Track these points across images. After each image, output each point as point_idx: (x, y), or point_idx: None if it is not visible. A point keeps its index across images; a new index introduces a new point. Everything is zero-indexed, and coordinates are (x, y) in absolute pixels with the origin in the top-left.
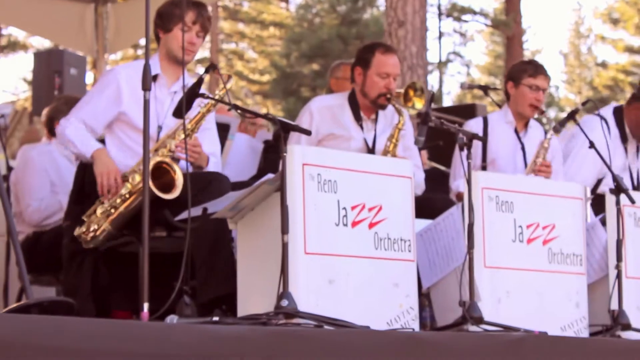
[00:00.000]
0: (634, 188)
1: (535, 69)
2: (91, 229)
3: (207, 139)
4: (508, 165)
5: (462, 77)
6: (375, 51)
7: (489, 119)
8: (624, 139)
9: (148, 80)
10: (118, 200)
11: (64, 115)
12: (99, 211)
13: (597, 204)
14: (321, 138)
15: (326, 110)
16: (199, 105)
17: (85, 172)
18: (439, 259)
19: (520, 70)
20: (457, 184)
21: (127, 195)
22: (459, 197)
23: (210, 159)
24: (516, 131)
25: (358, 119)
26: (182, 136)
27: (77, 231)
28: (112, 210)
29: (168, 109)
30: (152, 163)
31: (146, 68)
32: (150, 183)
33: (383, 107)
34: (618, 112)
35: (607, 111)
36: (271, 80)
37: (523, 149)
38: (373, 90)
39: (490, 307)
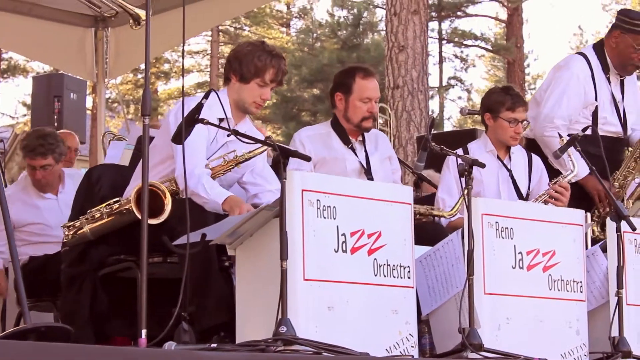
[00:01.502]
0: (622, 125)
1: (513, 101)
2: (76, 227)
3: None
4: (493, 196)
5: (463, 102)
6: (356, 76)
7: (470, 148)
8: (605, 70)
9: (148, 105)
10: (106, 210)
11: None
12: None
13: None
14: (315, 163)
15: (315, 137)
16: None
17: (84, 196)
18: (439, 285)
19: (498, 103)
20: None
21: (116, 209)
22: (452, 226)
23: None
24: (499, 159)
25: (347, 142)
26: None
27: (64, 225)
28: (97, 215)
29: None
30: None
31: (146, 94)
32: (134, 206)
33: (367, 130)
34: (598, 46)
35: (588, 48)
36: (271, 104)
37: (512, 176)
38: (356, 115)
39: (490, 334)
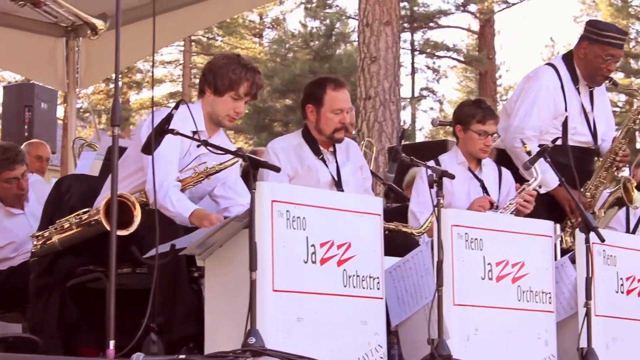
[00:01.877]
0: (592, 136)
1: (484, 114)
2: (44, 237)
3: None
4: (463, 207)
5: (435, 113)
6: (326, 88)
7: (441, 160)
8: (575, 81)
9: (117, 115)
10: (75, 220)
11: None
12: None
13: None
14: (291, 177)
15: (288, 149)
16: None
17: (54, 207)
18: (408, 296)
19: (468, 115)
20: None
21: (85, 220)
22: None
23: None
24: (471, 170)
25: (318, 153)
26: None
27: (33, 235)
28: (66, 226)
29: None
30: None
31: (115, 104)
32: (103, 217)
33: (340, 141)
34: (568, 57)
35: (557, 59)
36: (243, 115)
37: (483, 186)
38: (328, 126)
39: (459, 345)
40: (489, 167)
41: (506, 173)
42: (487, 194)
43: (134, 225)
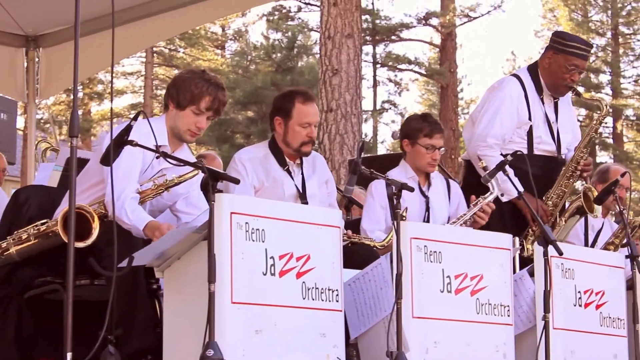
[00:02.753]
0: (556, 146)
1: (431, 128)
2: (2, 247)
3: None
4: (416, 221)
5: (396, 126)
6: (295, 101)
7: (390, 175)
8: (539, 91)
9: (76, 127)
10: (33, 232)
11: None
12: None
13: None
14: (258, 189)
15: (255, 160)
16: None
17: (12, 217)
18: (367, 309)
19: (416, 129)
20: (378, 235)
21: (42, 231)
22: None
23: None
24: (419, 185)
25: (284, 165)
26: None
27: None
28: (24, 237)
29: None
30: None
31: (73, 115)
32: (60, 228)
33: (307, 154)
34: (533, 68)
35: (522, 70)
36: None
37: (428, 203)
38: (295, 140)
39: (418, 358)
40: (437, 181)
41: (455, 186)
42: (430, 212)
43: (92, 237)
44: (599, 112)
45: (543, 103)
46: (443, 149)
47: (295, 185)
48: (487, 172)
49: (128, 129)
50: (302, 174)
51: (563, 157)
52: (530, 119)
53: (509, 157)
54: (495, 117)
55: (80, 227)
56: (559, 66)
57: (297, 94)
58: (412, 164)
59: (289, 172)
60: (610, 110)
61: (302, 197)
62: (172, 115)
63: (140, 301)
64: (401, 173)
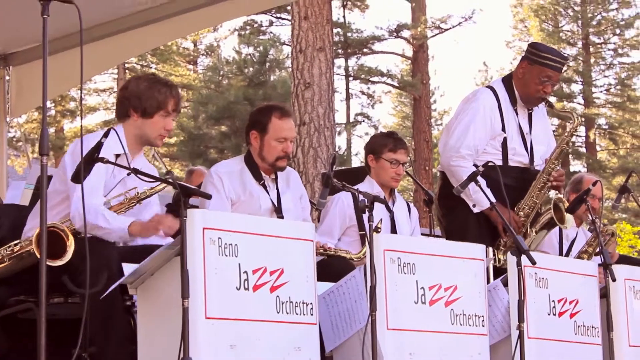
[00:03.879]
0: (529, 158)
1: (395, 143)
2: None
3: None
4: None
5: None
6: (272, 116)
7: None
8: (513, 102)
9: (45, 145)
10: (7, 253)
11: None
12: None
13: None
14: (234, 203)
15: (232, 175)
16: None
17: None
18: (342, 321)
19: (380, 145)
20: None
21: (16, 251)
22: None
23: None
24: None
25: (259, 179)
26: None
27: None
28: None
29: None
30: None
31: (43, 133)
32: (35, 248)
33: (282, 169)
34: (507, 79)
35: (496, 81)
36: (178, 142)
37: (393, 217)
38: (271, 154)
39: None
40: (400, 201)
41: (414, 210)
42: (396, 226)
43: (67, 255)
44: (570, 122)
45: (517, 114)
46: (407, 164)
47: (271, 199)
48: (459, 183)
49: (98, 146)
50: (277, 188)
51: (537, 167)
52: (503, 130)
53: (481, 168)
54: (468, 128)
55: (54, 246)
56: (532, 77)
57: (274, 108)
58: (377, 179)
59: (265, 187)
60: (582, 120)
61: (278, 211)
62: (138, 124)
63: (115, 318)
64: (367, 188)
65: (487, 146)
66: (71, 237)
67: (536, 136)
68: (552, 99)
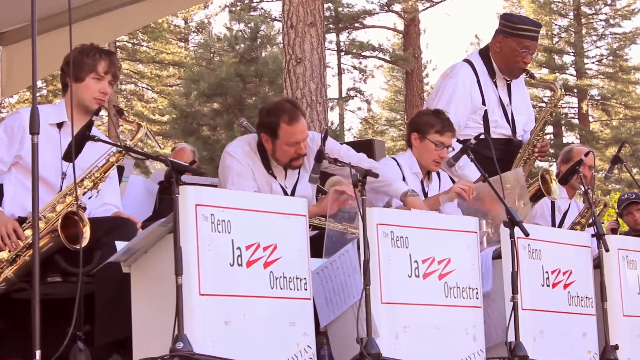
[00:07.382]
0: (511, 129)
1: (443, 125)
2: None
3: (110, 188)
4: None
5: (363, 113)
6: (281, 122)
7: (400, 163)
8: (491, 75)
9: (36, 124)
10: (23, 248)
11: None
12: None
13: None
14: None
15: (250, 154)
16: (108, 154)
17: None
18: (336, 296)
19: (427, 124)
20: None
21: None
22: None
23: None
24: (422, 182)
25: (268, 168)
26: (89, 184)
27: None
28: (17, 259)
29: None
30: (62, 214)
31: (34, 112)
32: (61, 233)
33: (297, 167)
34: (484, 51)
35: (473, 54)
36: (170, 119)
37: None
38: (284, 157)
39: (388, 343)
40: (435, 181)
41: (444, 175)
42: None
43: (84, 240)
44: (552, 94)
45: (496, 87)
46: (451, 147)
47: (280, 185)
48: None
49: (89, 125)
50: (299, 173)
51: (519, 138)
52: (484, 103)
53: (473, 141)
54: (449, 106)
55: (72, 231)
56: (511, 50)
57: (283, 113)
58: (419, 158)
59: (273, 176)
60: (564, 93)
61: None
62: (74, 90)
63: (123, 293)
64: (408, 165)
65: (469, 121)
66: (88, 223)
67: (516, 107)
68: (544, 71)
